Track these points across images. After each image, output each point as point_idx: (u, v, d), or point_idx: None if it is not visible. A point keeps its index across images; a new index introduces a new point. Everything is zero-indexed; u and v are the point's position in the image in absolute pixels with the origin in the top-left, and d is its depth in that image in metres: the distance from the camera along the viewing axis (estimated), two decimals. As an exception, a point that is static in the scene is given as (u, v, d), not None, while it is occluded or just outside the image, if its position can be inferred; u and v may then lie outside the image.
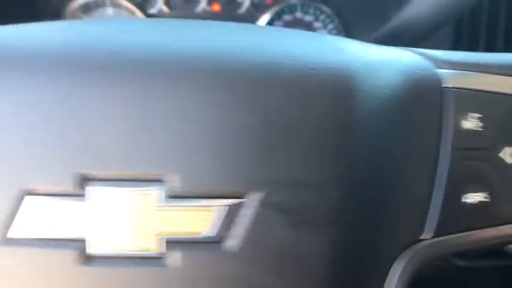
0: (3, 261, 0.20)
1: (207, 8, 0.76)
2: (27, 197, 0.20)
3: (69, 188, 0.20)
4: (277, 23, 0.78)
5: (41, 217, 0.21)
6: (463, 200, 0.24)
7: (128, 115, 0.21)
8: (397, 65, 0.25)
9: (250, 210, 0.21)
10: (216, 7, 0.77)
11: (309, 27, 0.79)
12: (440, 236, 0.24)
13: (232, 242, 0.21)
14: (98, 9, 0.74)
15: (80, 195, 0.21)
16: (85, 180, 0.21)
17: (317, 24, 0.79)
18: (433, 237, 0.24)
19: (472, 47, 0.60)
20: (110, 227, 0.21)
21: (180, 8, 0.76)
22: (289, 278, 0.22)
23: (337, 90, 0.23)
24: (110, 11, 0.75)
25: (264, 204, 0.21)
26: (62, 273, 0.21)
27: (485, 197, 0.25)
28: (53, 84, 0.21)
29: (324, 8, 0.78)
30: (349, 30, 0.79)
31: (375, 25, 0.74)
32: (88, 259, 0.21)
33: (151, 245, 0.21)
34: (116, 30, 0.25)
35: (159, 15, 0.75)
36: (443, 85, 0.25)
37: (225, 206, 0.21)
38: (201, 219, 0.21)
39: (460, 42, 0.60)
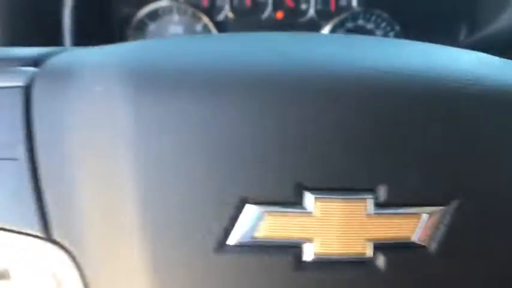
0: (221, 267, 0.21)
1: (272, 15, 0.78)
2: (248, 206, 0.21)
3: (288, 196, 0.21)
4: (339, 30, 0.79)
5: (259, 225, 0.21)
6: None
7: (341, 132, 0.21)
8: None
9: (451, 216, 0.22)
10: (280, 14, 0.78)
11: (370, 34, 0.80)
12: None
13: (437, 246, 0.22)
14: (165, 16, 0.76)
15: (297, 204, 0.21)
16: (303, 190, 0.21)
17: (379, 32, 0.80)
18: None
19: None
20: (324, 233, 0.21)
21: (246, 15, 0.77)
22: (486, 279, 0.23)
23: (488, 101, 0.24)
24: (176, 17, 0.76)
25: (463, 211, 0.22)
26: (275, 279, 0.21)
27: None
28: (271, 105, 0.21)
29: (386, 15, 0.79)
30: (411, 38, 0.80)
31: (439, 33, 0.75)
32: (303, 265, 0.21)
33: (361, 250, 0.22)
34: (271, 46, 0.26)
35: (226, 22, 0.77)
36: None
37: (429, 213, 0.22)
38: (408, 225, 0.22)
39: None
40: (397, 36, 0.80)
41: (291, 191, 0.21)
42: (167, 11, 0.75)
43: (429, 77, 0.23)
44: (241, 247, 0.21)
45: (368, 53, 0.25)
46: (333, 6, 0.78)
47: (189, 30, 0.76)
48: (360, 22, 0.79)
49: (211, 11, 0.76)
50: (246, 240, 0.21)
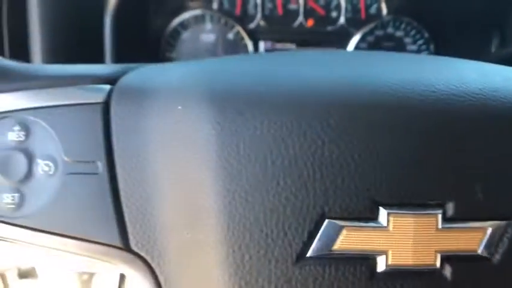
0: (300, 278, 0.23)
1: (303, 23, 0.79)
2: (327, 220, 0.23)
3: (364, 212, 0.23)
4: (369, 38, 0.80)
5: (337, 238, 0.23)
6: None
7: (412, 153, 0.23)
8: None
9: (508, 231, 0.23)
10: (311, 22, 0.79)
11: (399, 42, 0.81)
12: None
13: (500, 258, 0.23)
14: (197, 25, 0.77)
15: (372, 219, 0.23)
16: (377, 206, 0.23)
17: (407, 40, 0.81)
18: None
19: None
20: (397, 246, 0.23)
21: (278, 23, 0.78)
22: None
23: None
24: (209, 26, 0.78)
25: None
26: None
27: None
28: (349, 128, 0.23)
29: (415, 23, 0.79)
30: (438, 46, 0.81)
31: (467, 42, 0.76)
32: (377, 275, 0.23)
33: (431, 261, 0.23)
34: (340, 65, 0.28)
35: (258, 29, 0.78)
36: None
37: (494, 226, 0.23)
38: (474, 238, 0.23)
39: None
40: (427, 43, 0.80)
41: (366, 207, 0.23)
42: (200, 19, 0.77)
43: (488, 99, 0.24)
44: (320, 259, 0.23)
45: (432, 75, 0.26)
46: (363, 14, 0.79)
47: (221, 38, 0.78)
48: (390, 30, 0.80)
49: (243, 19, 0.78)
50: (324, 252, 0.23)
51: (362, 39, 0.79)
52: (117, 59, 0.65)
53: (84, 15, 0.61)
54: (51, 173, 0.26)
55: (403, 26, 0.80)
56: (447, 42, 0.79)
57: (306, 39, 0.79)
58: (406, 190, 0.23)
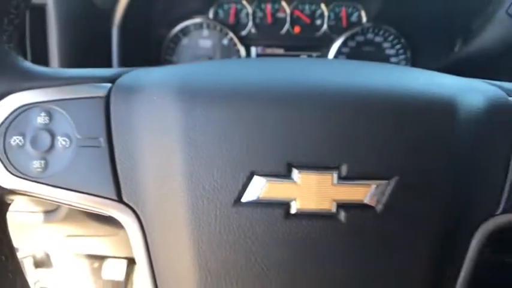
0: (237, 216, 0.32)
1: (290, 30, 0.88)
2: (256, 177, 0.32)
3: (282, 171, 0.32)
4: (350, 43, 0.88)
5: (262, 190, 0.32)
6: None
7: (317, 130, 0.32)
8: (482, 93, 0.36)
9: (392, 187, 0.32)
10: (297, 29, 0.88)
11: (378, 46, 0.89)
12: (509, 212, 0.34)
13: (382, 207, 0.32)
14: (196, 32, 0.87)
15: (288, 176, 0.32)
16: (291, 167, 0.32)
17: (386, 45, 0.89)
18: (503, 213, 0.34)
19: None
20: (305, 195, 0.32)
21: (267, 30, 0.87)
22: (415, 229, 0.32)
23: (449, 111, 0.33)
24: (206, 33, 0.87)
25: (401, 185, 0.32)
26: (272, 224, 0.32)
27: None
28: (277, 111, 0.32)
29: (392, 30, 0.87)
30: (414, 50, 0.88)
31: (439, 46, 0.83)
32: (290, 215, 0.32)
33: (328, 207, 0.32)
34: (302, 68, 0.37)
35: (249, 36, 0.87)
36: None
37: (377, 184, 0.32)
38: (361, 192, 0.32)
39: None
40: (404, 48, 0.88)
41: (283, 168, 0.32)
42: (198, 27, 0.86)
43: (378, 93, 0.33)
44: (250, 203, 0.32)
45: (349, 76, 0.35)
46: (344, 22, 0.88)
47: (217, 44, 0.87)
48: (369, 36, 0.88)
49: (236, 27, 0.87)
50: (253, 199, 0.32)
51: (344, 44, 0.87)
52: (123, 63, 0.75)
53: (94, 28, 0.71)
54: (67, 146, 0.35)
55: (381, 32, 0.88)
56: (420, 46, 0.87)
57: (293, 45, 0.88)
58: (312, 156, 0.32)
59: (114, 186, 0.35)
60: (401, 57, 0.88)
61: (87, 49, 0.69)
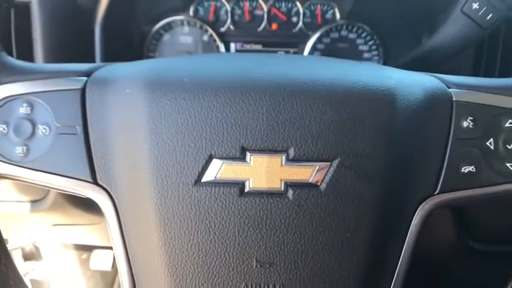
0: (197, 195, 0.36)
1: (267, 27, 0.91)
2: (214, 159, 0.36)
3: (237, 154, 0.36)
4: (325, 39, 0.92)
5: (220, 171, 0.36)
6: (461, 169, 0.39)
7: (268, 118, 0.36)
8: (424, 86, 0.40)
9: (334, 168, 0.36)
10: (274, 26, 0.92)
11: (352, 43, 0.93)
12: (446, 192, 0.39)
13: (325, 186, 0.36)
14: (177, 28, 0.90)
15: (242, 159, 0.36)
16: (245, 150, 0.36)
17: (359, 41, 0.93)
18: (441, 193, 0.39)
19: (488, 70, 0.73)
20: (258, 176, 0.36)
21: (245, 27, 0.91)
22: (355, 206, 0.37)
23: (386, 102, 0.38)
24: (186, 29, 0.91)
25: (341, 166, 0.36)
26: (228, 201, 0.36)
27: (471, 169, 0.39)
28: (230, 102, 0.36)
29: (366, 27, 0.91)
30: (386, 46, 0.93)
31: (408, 42, 0.88)
32: (245, 194, 0.36)
33: (278, 186, 0.36)
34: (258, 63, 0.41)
35: (228, 33, 0.91)
36: (453, 99, 0.40)
37: (320, 167, 0.36)
38: (307, 172, 0.36)
39: (479, 66, 0.73)
40: (376, 44, 0.92)
41: (238, 151, 0.36)
42: (179, 23, 0.90)
43: (322, 84, 0.37)
44: (209, 183, 0.36)
45: (292, 69, 0.39)
46: (319, 19, 0.91)
47: (198, 40, 0.91)
48: (343, 33, 0.92)
49: (215, 24, 0.90)
50: (212, 179, 0.36)
51: (319, 41, 0.91)
52: (106, 60, 0.78)
53: (77, 25, 0.74)
54: (47, 133, 0.39)
55: (355, 29, 0.92)
56: (391, 42, 0.91)
57: (271, 41, 0.92)
58: (263, 141, 0.36)
59: (90, 170, 0.39)
60: (374, 53, 0.93)
61: (70, 46, 0.73)
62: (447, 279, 0.96)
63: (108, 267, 1.33)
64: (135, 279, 0.39)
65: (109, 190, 0.39)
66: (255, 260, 0.36)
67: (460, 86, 0.41)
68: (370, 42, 0.92)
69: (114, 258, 1.42)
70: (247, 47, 0.92)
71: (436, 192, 0.39)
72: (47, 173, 0.39)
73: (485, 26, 0.61)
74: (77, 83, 0.40)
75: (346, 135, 0.36)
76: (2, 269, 0.41)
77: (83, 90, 0.39)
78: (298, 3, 0.90)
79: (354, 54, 0.92)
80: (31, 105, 0.39)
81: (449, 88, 0.41)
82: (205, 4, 0.90)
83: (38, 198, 0.77)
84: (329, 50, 0.92)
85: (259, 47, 0.92)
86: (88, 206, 0.78)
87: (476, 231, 0.82)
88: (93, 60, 0.78)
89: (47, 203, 0.76)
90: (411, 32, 0.86)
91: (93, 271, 1.38)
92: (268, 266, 0.36)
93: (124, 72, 0.40)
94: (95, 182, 0.39)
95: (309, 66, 0.41)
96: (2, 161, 0.39)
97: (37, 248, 1.30)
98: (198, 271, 0.36)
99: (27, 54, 0.69)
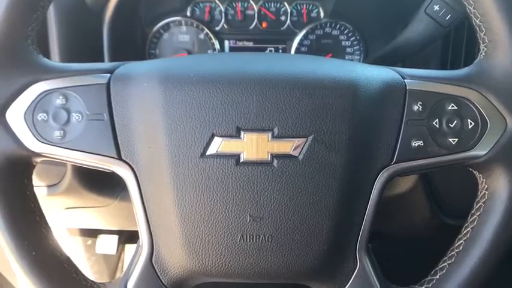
0: (203, 165, 0.46)
1: (258, 26, 1.00)
2: (215, 137, 0.46)
3: (233, 132, 0.46)
4: (310, 36, 1.01)
5: (220, 146, 0.46)
6: (412, 144, 0.48)
7: (257, 105, 0.46)
8: (382, 77, 0.50)
9: (309, 143, 0.46)
10: (264, 25, 1.01)
11: (335, 39, 1.01)
12: (401, 162, 0.48)
13: (303, 157, 0.46)
14: (175, 27, 0.99)
15: (237, 136, 0.46)
16: (239, 130, 0.46)
17: (342, 37, 1.02)
18: (397, 163, 0.48)
19: (454, 61, 0.83)
20: (249, 149, 0.46)
21: (238, 25, 1.00)
22: (328, 174, 0.46)
23: (349, 90, 0.47)
24: (184, 28, 0.99)
25: (315, 141, 0.46)
26: (227, 170, 0.45)
27: (420, 143, 0.48)
28: (232, 95, 0.46)
29: (347, 25, 1.00)
30: (366, 42, 1.02)
31: (385, 38, 0.97)
32: (240, 164, 0.46)
33: (266, 157, 0.46)
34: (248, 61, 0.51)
35: (222, 31, 1.00)
36: (407, 88, 0.49)
37: (298, 142, 0.46)
38: (288, 146, 0.46)
39: (446, 58, 0.83)
40: (357, 40, 1.01)
41: (234, 130, 0.46)
42: (177, 23, 0.99)
43: (299, 77, 0.47)
44: (212, 156, 0.46)
45: (278, 65, 0.49)
46: (305, 18, 1.00)
47: (194, 38, 1.00)
48: (327, 30, 1.01)
49: (211, 23, 0.99)
50: (214, 152, 0.46)
51: (305, 38, 1.00)
52: (113, 56, 0.87)
53: (87, 26, 0.83)
54: (80, 120, 0.48)
55: (338, 26, 1.01)
56: (371, 38, 1.01)
57: (261, 38, 1.01)
58: (254, 122, 0.46)
59: (115, 148, 0.48)
60: (356, 47, 1.02)
61: (81, 45, 0.82)
62: (424, 253, 1.06)
63: (113, 251, 1.42)
64: (153, 237, 0.48)
65: (131, 164, 0.48)
66: (248, 216, 0.46)
67: (413, 77, 0.50)
68: (352, 38, 1.01)
69: (118, 242, 1.51)
70: (240, 44, 1.01)
71: (392, 163, 0.49)
72: (80, 152, 0.48)
73: (446, 25, 0.70)
74: (102, 79, 0.49)
75: (318, 117, 0.46)
76: (43, 231, 0.50)
77: (108, 85, 0.48)
78: (285, 3, 0.99)
79: (337, 50, 1.01)
80: (66, 97, 0.48)
81: (404, 79, 0.50)
82: (201, 5, 0.98)
83: (54, 183, 0.86)
84: (314, 46, 1.00)
85: (250, 43, 1.01)
86: (100, 189, 0.87)
87: (447, 207, 0.92)
88: (101, 57, 0.86)
89: (62, 187, 0.84)
90: (387, 29, 0.94)
91: (97, 256, 1.47)
92: (259, 220, 0.46)
93: (141, 70, 0.49)
94: (120, 158, 0.48)
95: (289, 63, 0.51)
96: (44, 143, 0.48)
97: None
98: (204, 225, 0.46)
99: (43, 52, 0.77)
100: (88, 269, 1.47)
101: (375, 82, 0.48)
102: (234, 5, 0.99)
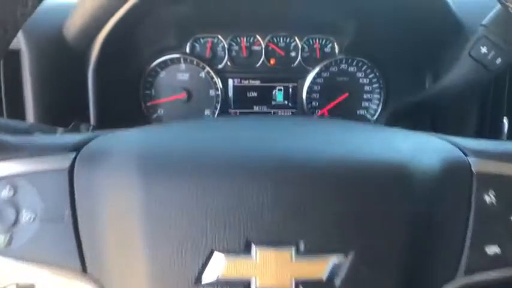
0: None
1: (265, 63, 0.89)
2: (216, 253, 0.33)
3: (241, 248, 0.33)
4: (324, 73, 0.90)
5: (224, 269, 0.33)
6: (485, 250, 0.36)
7: (274, 208, 0.33)
8: (437, 154, 0.37)
9: (345, 263, 0.33)
10: (273, 61, 0.90)
11: (352, 76, 0.90)
12: (471, 275, 0.36)
13: (339, 282, 0.33)
14: (173, 65, 0.88)
15: (247, 253, 0.33)
16: (250, 243, 0.33)
17: (359, 74, 0.91)
18: (463, 276, 0.36)
19: (495, 112, 0.71)
20: (264, 273, 0.33)
21: (243, 63, 0.89)
22: None
23: (399, 180, 0.35)
24: (183, 66, 0.88)
25: (357, 258, 0.33)
26: None
27: (496, 250, 0.36)
28: (234, 187, 0.33)
29: (365, 60, 0.89)
30: (387, 78, 0.90)
31: (409, 74, 0.85)
32: None
33: (287, 284, 0.33)
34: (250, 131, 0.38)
35: (225, 69, 0.89)
36: (472, 169, 0.37)
37: (334, 259, 0.33)
38: (319, 268, 0.33)
39: (485, 108, 0.71)
40: (377, 78, 0.90)
41: (243, 244, 0.33)
42: (175, 61, 0.88)
43: (331, 167, 0.35)
44: (211, 284, 0.33)
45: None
46: (318, 54, 0.89)
47: (194, 77, 0.88)
48: (343, 66, 0.90)
49: (212, 61, 0.88)
50: (213, 279, 0.33)
51: (318, 75, 0.89)
52: (100, 103, 0.76)
53: (69, 70, 0.71)
54: (31, 220, 0.37)
55: (354, 62, 0.90)
56: (392, 74, 0.89)
57: (269, 76, 0.90)
58: (270, 232, 0.33)
59: (79, 259, 0.36)
60: (375, 85, 0.91)
61: (63, 91, 0.70)
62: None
63: None
64: None
65: (101, 281, 0.36)
66: None
67: (479, 154, 0.38)
68: (371, 75, 0.90)
69: None
70: (246, 82, 0.90)
71: (457, 275, 0.36)
72: (31, 262, 0.36)
73: (493, 69, 0.59)
74: (64, 161, 0.37)
75: (362, 223, 0.34)
76: None
77: (71, 169, 0.37)
78: (296, 38, 0.88)
79: (354, 88, 0.90)
80: (15, 188, 0.37)
81: (466, 156, 0.38)
82: (202, 41, 0.88)
83: None
84: (329, 84, 0.90)
85: (257, 82, 0.90)
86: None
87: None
88: (86, 106, 0.75)
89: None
90: (411, 64, 0.84)
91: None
92: None
93: (115, 148, 0.37)
94: (85, 271, 0.36)
95: (313, 137, 0.39)
96: None
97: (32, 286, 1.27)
98: None
99: (17, 104, 0.66)
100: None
101: (432, 164, 0.36)
102: (238, 40, 0.88)
